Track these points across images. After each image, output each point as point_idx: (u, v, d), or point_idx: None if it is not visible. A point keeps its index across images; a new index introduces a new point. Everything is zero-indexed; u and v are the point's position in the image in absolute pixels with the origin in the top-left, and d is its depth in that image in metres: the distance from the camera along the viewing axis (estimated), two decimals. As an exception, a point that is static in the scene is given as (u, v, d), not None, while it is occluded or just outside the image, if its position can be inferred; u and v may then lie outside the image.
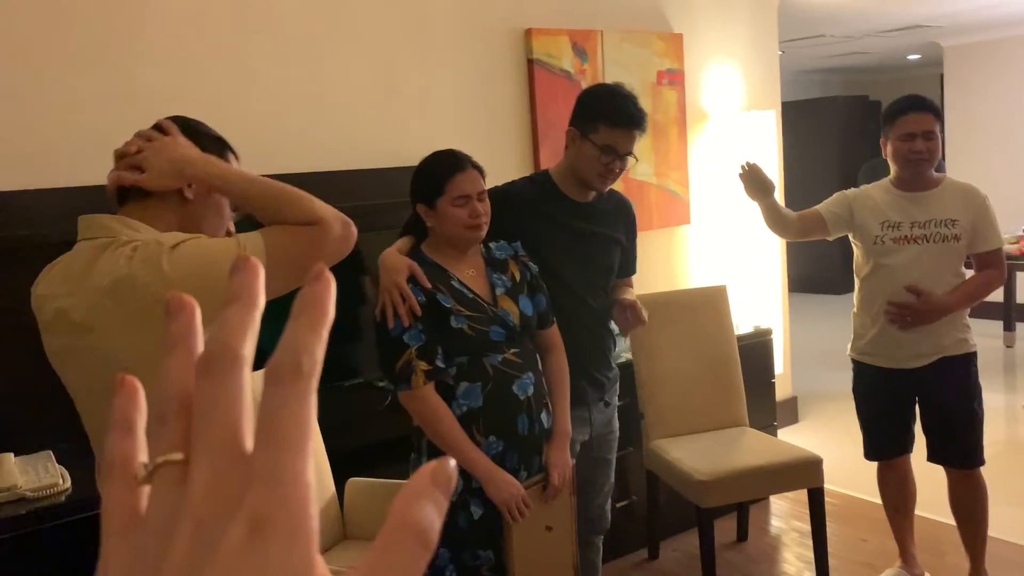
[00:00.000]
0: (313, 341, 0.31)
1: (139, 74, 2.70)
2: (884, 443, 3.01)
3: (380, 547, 0.28)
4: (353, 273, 3.03)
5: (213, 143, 1.49)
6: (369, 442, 2.78)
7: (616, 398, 2.55)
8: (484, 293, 2.10)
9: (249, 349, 0.31)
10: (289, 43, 3.03)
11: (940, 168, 3.04)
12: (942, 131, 2.83)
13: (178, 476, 0.30)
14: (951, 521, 2.97)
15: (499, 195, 2.22)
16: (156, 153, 1.40)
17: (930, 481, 3.06)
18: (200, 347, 0.33)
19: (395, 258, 2.05)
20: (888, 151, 2.84)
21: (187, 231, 1.40)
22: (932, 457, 2.91)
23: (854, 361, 3.02)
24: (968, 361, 2.84)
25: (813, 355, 6.13)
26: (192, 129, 1.48)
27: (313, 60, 3.09)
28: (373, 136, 3.21)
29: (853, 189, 3.01)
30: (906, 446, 2.99)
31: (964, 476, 2.87)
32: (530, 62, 3.63)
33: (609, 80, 3.88)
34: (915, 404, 2.93)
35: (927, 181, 2.82)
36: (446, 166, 2.05)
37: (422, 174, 2.10)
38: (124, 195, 1.43)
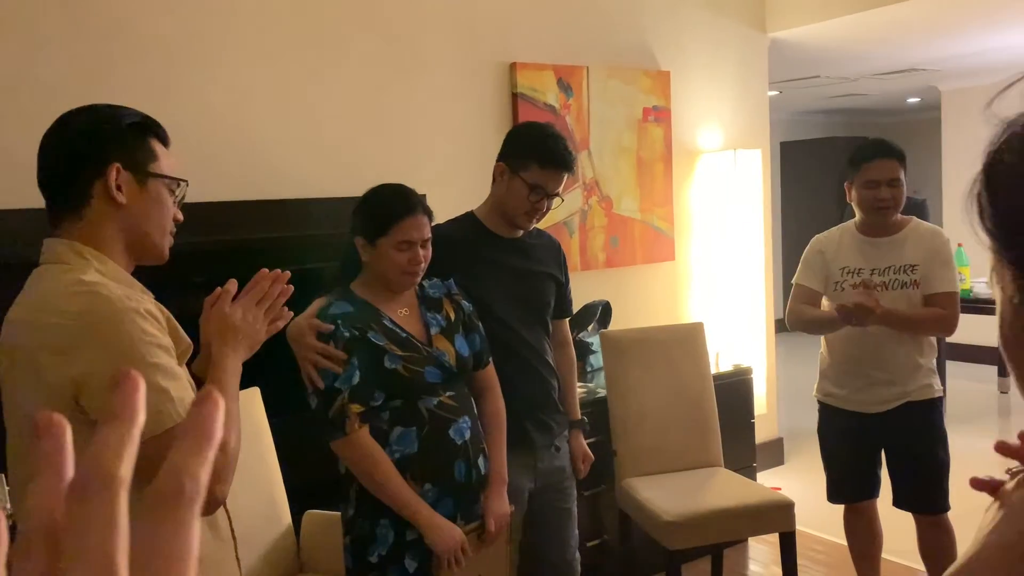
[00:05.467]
0: (196, 464, 0.30)
1: (120, 100, 2.70)
2: (847, 486, 2.98)
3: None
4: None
5: (132, 130, 1.45)
6: (327, 475, 2.74)
7: (567, 443, 2.46)
8: (418, 333, 2.01)
9: (126, 470, 0.29)
10: (279, 71, 3.05)
11: (920, 211, 2.98)
12: (906, 173, 2.80)
13: None
14: (919, 566, 2.93)
15: (434, 237, 2.13)
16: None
17: (897, 525, 3.02)
18: (71, 471, 0.31)
19: (295, 327, 1.90)
20: (853, 197, 2.81)
21: (133, 236, 1.39)
22: (897, 502, 2.88)
23: (819, 403, 3.00)
24: (933, 407, 2.80)
25: (806, 396, 6.05)
26: (105, 118, 1.44)
27: (302, 90, 3.10)
28: (359, 165, 3.21)
29: (817, 238, 2.96)
30: (870, 491, 2.95)
31: (932, 522, 2.83)
32: (514, 95, 3.65)
33: (594, 115, 3.90)
34: (881, 449, 2.90)
35: (891, 225, 2.81)
36: (395, 207, 1.96)
37: (369, 208, 2.00)
38: (57, 215, 1.40)
